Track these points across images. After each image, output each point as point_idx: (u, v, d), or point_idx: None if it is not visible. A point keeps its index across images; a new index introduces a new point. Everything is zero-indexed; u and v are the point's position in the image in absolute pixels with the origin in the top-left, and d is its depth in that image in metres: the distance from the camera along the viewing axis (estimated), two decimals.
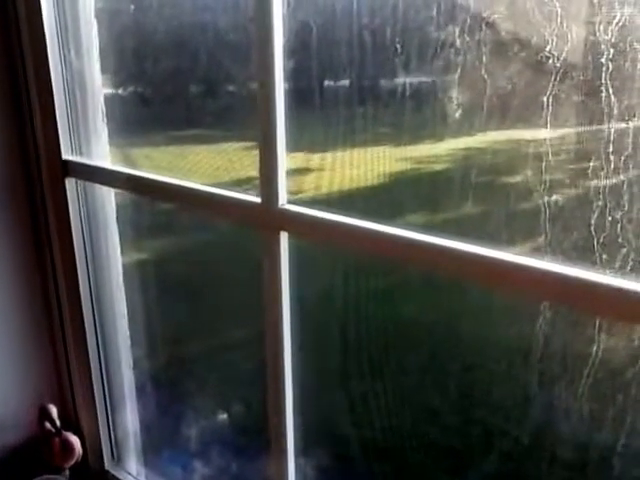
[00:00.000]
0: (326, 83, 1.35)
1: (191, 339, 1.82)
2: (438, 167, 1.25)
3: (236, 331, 1.70)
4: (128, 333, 1.97)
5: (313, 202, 1.38)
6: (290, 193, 1.30)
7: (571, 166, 0.98)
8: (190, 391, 1.90)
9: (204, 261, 1.73)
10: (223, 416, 1.85)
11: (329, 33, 1.27)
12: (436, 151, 1.21)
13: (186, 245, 1.84)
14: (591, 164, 0.92)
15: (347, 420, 1.53)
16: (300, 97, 1.34)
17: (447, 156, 1.20)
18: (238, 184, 1.51)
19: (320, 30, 1.27)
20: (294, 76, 1.31)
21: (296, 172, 1.38)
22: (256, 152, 1.28)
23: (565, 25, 0.90)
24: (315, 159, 1.40)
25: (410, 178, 1.29)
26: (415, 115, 1.20)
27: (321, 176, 1.39)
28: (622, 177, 0.89)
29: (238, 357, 1.71)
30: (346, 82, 1.31)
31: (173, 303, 1.85)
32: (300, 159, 1.39)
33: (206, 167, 1.64)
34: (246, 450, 1.78)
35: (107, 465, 2.04)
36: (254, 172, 1.31)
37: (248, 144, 1.47)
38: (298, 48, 1.29)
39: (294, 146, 1.31)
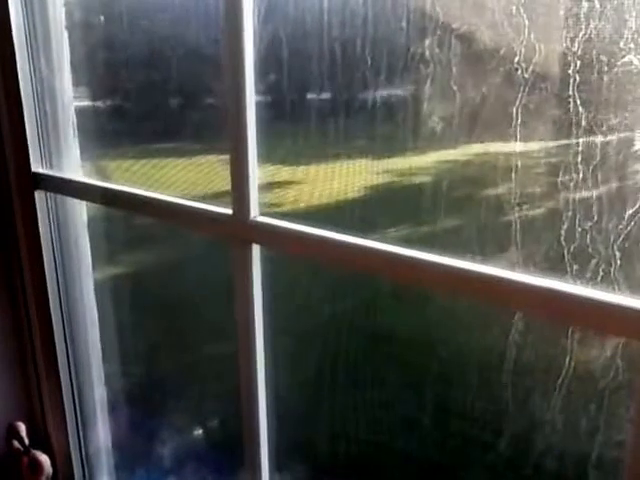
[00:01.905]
0: (307, 96, 1.35)
1: (164, 355, 1.80)
2: (415, 180, 1.25)
3: (209, 346, 1.68)
4: (100, 349, 1.94)
5: (293, 215, 1.37)
6: (272, 205, 1.29)
7: (541, 178, 0.99)
8: (163, 407, 1.87)
9: (177, 275, 1.71)
10: (197, 432, 1.82)
11: (303, 46, 1.27)
12: (409, 164, 1.22)
13: (159, 259, 1.82)
14: (560, 176, 0.93)
15: (322, 435, 1.51)
16: (278, 110, 1.33)
17: (420, 169, 1.20)
18: (215, 197, 1.50)
19: (293, 43, 1.27)
20: (271, 89, 1.30)
21: (276, 185, 1.38)
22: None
23: (533, 37, 0.91)
24: (297, 172, 1.40)
25: (389, 191, 1.29)
26: (393, 127, 1.20)
27: (302, 189, 1.38)
28: (591, 188, 0.90)
29: (211, 372, 1.69)
30: (326, 95, 1.31)
31: (146, 318, 1.83)
32: (281, 172, 1.38)
33: (182, 180, 1.63)
34: (220, 466, 1.75)
35: None
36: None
37: (224, 157, 1.46)
38: (273, 61, 1.29)
39: (274, 159, 1.30)
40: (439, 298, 1.11)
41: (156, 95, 1.66)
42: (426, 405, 1.27)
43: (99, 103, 1.82)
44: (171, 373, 1.81)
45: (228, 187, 1.30)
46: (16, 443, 1.79)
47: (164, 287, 1.76)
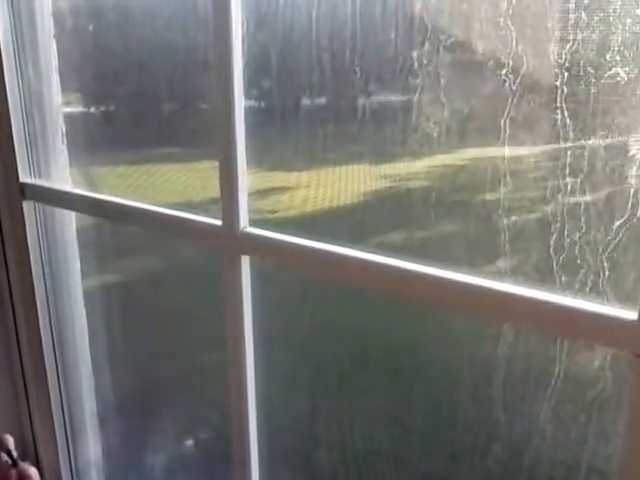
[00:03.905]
0: (302, 102, 1.34)
1: (154, 365, 1.78)
2: (416, 184, 1.25)
3: (199, 356, 1.67)
4: (90, 360, 1.92)
5: (286, 221, 1.36)
6: (264, 212, 1.29)
7: (530, 187, 0.99)
8: (153, 418, 1.85)
9: (167, 285, 1.70)
10: (188, 443, 1.81)
11: (293, 51, 1.27)
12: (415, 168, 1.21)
13: (149, 269, 1.81)
14: (549, 185, 0.93)
15: (312, 443, 1.51)
16: (269, 116, 1.33)
17: (424, 173, 1.20)
18: (209, 203, 1.48)
19: (283, 48, 1.27)
20: (262, 95, 1.30)
21: (269, 191, 1.37)
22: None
23: (520, 49, 0.91)
24: (290, 178, 1.39)
25: (383, 197, 1.28)
26: (388, 133, 1.20)
27: (294, 195, 1.37)
28: (579, 198, 0.90)
29: (201, 383, 1.68)
30: (319, 101, 1.31)
31: (135, 329, 1.81)
32: (273, 178, 1.38)
33: (173, 186, 1.61)
34: (210, 477, 1.74)
35: None
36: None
37: (216, 163, 1.46)
38: (263, 67, 1.28)
39: (267, 165, 1.29)
40: (430, 308, 1.11)
41: (145, 101, 1.65)
42: (415, 413, 1.27)
43: (88, 110, 1.80)
44: (161, 384, 1.80)
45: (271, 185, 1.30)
46: (4, 456, 1.77)
47: (154, 297, 1.75)
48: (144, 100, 1.65)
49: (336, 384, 1.37)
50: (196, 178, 1.57)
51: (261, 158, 1.31)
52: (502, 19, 0.91)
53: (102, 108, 1.81)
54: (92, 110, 1.82)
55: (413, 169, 1.18)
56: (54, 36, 1.71)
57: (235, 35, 1.18)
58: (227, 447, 1.46)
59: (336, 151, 1.29)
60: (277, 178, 1.39)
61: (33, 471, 1.82)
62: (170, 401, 1.79)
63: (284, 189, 1.37)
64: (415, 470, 1.33)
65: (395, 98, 1.16)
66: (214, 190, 1.39)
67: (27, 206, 1.75)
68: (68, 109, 1.76)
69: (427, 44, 1.02)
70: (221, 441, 1.62)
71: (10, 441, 1.78)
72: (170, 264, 1.71)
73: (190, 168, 1.60)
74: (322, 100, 1.29)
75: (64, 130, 1.76)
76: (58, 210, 1.79)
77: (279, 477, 1.54)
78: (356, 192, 1.29)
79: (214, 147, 1.27)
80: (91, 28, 1.69)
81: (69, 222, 1.83)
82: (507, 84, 0.93)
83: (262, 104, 1.35)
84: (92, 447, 1.98)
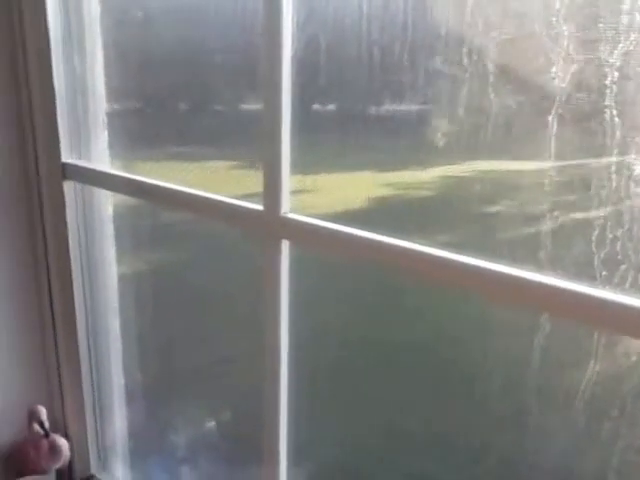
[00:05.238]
0: (314, 107, 1.38)
1: (185, 347, 1.82)
2: (424, 193, 1.28)
3: (232, 340, 1.70)
4: (120, 338, 1.97)
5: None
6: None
7: (578, 188, 1.01)
8: (181, 399, 1.90)
9: (202, 269, 1.73)
10: (213, 424, 1.85)
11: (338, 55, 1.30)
12: (423, 177, 1.25)
13: (184, 253, 1.85)
14: (593, 185, 0.95)
15: (344, 436, 1.52)
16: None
17: (431, 183, 1.24)
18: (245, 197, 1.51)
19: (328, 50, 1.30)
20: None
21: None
22: (253, 171, 1.30)
23: (570, 50, 0.93)
24: (305, 181, 1.41)
25: (394, 203, 1.31)
26: (405, 141, 1.23)
27: (309, 198, 1.41)
28: (623, 197, 0.93)
29: (233, 367, 1.71)
30: (333, 106, 1.35)
31: (168, 311, 1.85)
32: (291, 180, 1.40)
33: (208, 182, 1.64)
34: (236, 459, 1.77)
35: (93, 469, 2.03)
36: (253, 189, 1.32)
37: (246, 163, 1.50)
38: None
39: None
40: (470, 297, 1.13)
41: (187, 98, 1.69)
42: (455, 408, 1.28)
43: (130, 102, 1.85)
44: (191, 366, 1.83)
45: (249, 191, 1.32)
46: (37, 426, 1.82)
47: (186, 280, 1.79)
48: (184, 97, 1.69)
49: (368, 372, 1.39)
50: (227, 175, 1.60)
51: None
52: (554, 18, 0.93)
53: (141, 101, 1.85)
54: (133, 100, 1.86)
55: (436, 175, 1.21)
56: (100, 26, 1.75)
57: (285, 52, 1.22)
58: (256, 428, 1.48)
59: (354, 157, 1.32)
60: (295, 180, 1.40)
61: (63, 442, 1.88)
62: (199, 384, 1.83)
63: (298, 192, 1.39)
64: (447, 463, 1.35)
65: (427, 106, 1.19)
66: (249, 188, 1.42)
67: (67, 186, 1.80)
68: (110, 98, 1.81)
69: (457, 49, 1.05)
70: (249, 426, 1.64)
71: (43, 412, 1.83)
72: (205, 248, 1.75)
73: (225, 166, 1.63)
74: (345, 106, 1.33)
75: (105, 118, 1.81)
76: (96, 191, 1.84)
77: (307, 466, 1.57)
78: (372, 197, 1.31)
79: (254, 144, 1.30)
80: (137, 20, 1.73)
81: (106, 203, 1.87)
82: (553, 86, 0.96)
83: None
84: (119, 422, 2.03)
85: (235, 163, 1.61)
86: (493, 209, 1.14)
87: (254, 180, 1.35)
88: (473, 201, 1.16)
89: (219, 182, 1.60)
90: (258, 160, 1.32)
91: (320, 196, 1.39)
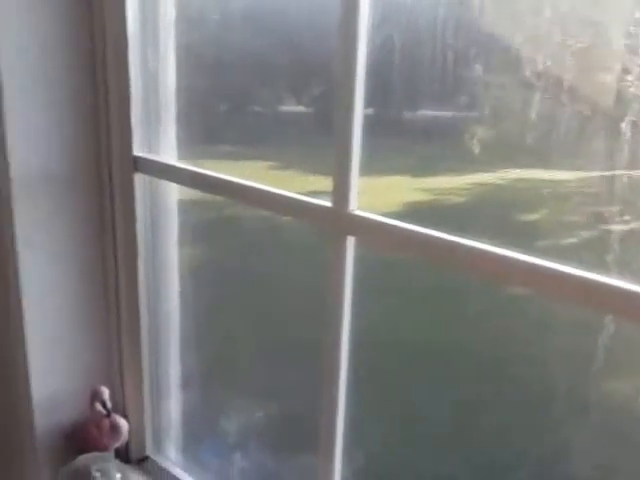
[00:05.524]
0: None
1: (243, 336, 1.89)
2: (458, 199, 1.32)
3: (292, 331, 1.75)
4: (179, 326, 2.06)
5: None
6: None
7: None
8: (236, 386, 1.96)
9: (263, 261, 1.80)
10: (267, 412, 1.91)
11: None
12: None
13: (245, 247, 1.91)
14: None
15: (400, 432, 1.55)
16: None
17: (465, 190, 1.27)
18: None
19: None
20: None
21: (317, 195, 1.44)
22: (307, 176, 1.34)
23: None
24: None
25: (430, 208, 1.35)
26: (440, 148, 1.27)
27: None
28: None
29: (292, 358, 1.76)
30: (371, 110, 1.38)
31: (228, 300, 1.92)
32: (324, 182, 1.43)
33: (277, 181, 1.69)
34: (289, 448, 1.82)
35: (148, 450, 2.12)
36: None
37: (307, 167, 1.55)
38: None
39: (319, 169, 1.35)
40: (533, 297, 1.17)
41: (256, 98, 1.75)
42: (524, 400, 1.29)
43: (201, 99, 1.93)
44: (249, 355, 1.90)
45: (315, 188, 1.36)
46: (99, 406, 1.91)
47: (247, 271, 1.85)
48: (253, 97, 1.76)
49: (430, 375, 1.42)
50: (299, 182, 1.66)
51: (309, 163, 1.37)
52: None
53: (212, 98, 1.93)
54: (204, 99, 1.93)
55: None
56: (175, 23, 1.84)
57: (360, 58, 1.27)
58: (311, 419, 1.52)
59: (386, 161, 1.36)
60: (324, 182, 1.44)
61: (124, 423, 1.96)
62: (257, 371, 1.89)
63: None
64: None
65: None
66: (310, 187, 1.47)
67: (138, 178, 1.89)
68: (182, 94, 1.89)
69: (498, 59, 1.09)
70: (305, 413, 1.68)
71: (106, 392, 1.92)
72: (266, 243, 1.81)
73: (276, 167, 1.69)
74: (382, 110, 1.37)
75: (175, 114, 1.90)
76: (163, 186, 1.93)
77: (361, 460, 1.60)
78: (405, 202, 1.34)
79: (332, 137, 1.36)
80: (211, 23, 1.82)
81: (172, 198, 1.96)
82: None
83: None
84: (174, 408, 2.12)
85: (286, 164, 1.66)
86: (531, 217, 1.17)
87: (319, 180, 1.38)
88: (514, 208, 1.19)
89: (283, 182, 1.66)
90: (326, 159, 1.37)
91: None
